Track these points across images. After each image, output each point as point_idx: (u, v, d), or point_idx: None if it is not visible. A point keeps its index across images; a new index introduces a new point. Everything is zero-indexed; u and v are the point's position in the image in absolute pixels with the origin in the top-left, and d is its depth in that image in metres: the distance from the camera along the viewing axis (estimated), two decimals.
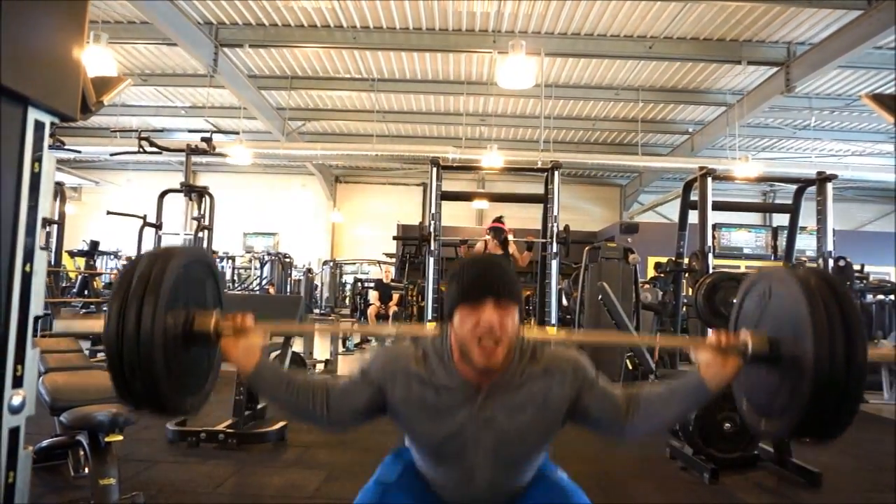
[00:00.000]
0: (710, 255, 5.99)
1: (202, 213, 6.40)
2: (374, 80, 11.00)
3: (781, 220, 12.68)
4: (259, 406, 4.43)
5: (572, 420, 1.45)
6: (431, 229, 6.19)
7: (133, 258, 1.51)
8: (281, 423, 4.02)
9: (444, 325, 1.43)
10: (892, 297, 7.79)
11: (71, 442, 2.77)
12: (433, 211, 6.23)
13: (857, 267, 7.41)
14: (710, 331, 1.44)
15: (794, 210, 6.88)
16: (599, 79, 10.68)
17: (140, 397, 1.40)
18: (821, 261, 6.06)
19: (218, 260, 14.39)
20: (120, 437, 2.63)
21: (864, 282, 7.86)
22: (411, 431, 1.49)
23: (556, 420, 1.44)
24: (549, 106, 11.47)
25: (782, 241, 14.22)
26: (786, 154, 13.90)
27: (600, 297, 5.41)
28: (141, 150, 6.30)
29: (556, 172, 6.24)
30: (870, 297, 7.83)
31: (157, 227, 6.53)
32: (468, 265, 1.42)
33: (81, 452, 2.89)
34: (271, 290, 13.51)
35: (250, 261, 16.30)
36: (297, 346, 6.06)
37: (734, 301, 1.66)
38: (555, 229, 6.11)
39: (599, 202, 18.25)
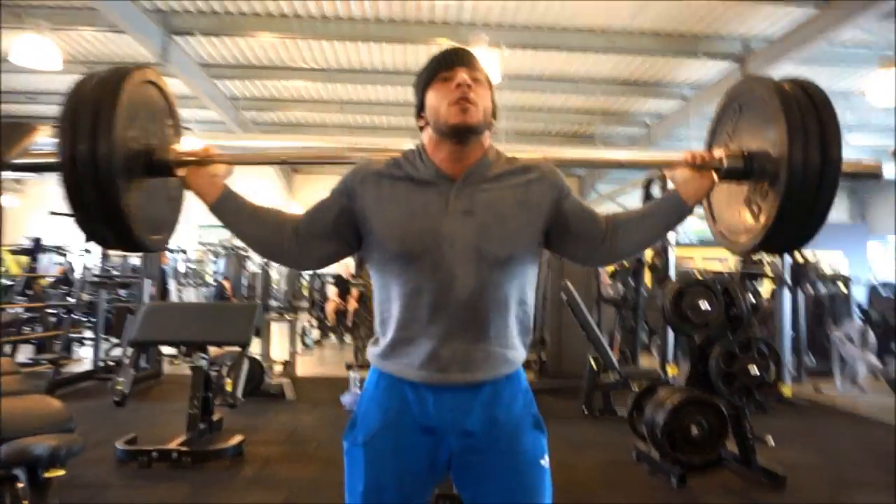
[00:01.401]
0: (672, 252, 6.03)
1: None
2: (333, 71, 10.73)
3: None
4: (215, 418, 4.25)
5: (552, 233, 1.41)
6: None
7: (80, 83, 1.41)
8: (238, 438, 3.85)
9: (416, 145, 1.41)
10: (843, 288, 7.98)
11: (6, 476, 2.56)
12: None
13: (811, 258, 7.54)
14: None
15: None
16: (559, 71, 10.63)
17: (103, 232, 1.36)
18: (777, 257, 6.15)
19: (169, 254, 13.95)
20: (61, 472, 2.44)
21: (819, 274, 8.02)
22: (382, 234, 1.34)
23: (538, 221, 1.38)
24: (507, 97, 11.39)
25: None
26: None
27: (565, 298, 5.38)
28: None
29: None
30: (822, 289, 8.00)
31: None
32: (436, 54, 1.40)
33: (20, 486, 2.69)
34: (226, 285, 13.15)
35: (204, 254, 15.86)
36: (255, 347, 5.88)
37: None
38: None
39: None
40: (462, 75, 1.32)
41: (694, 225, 14.37)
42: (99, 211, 1.31)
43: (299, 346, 8.26)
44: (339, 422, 5.07)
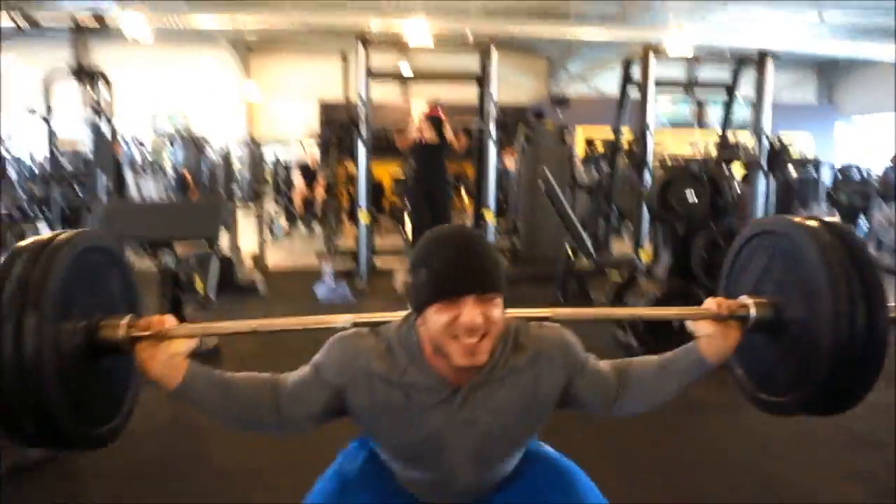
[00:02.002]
0: (650, 137, 5.89)
1: (98, 100, 5.67)
2: None
3: (703, 92, 12.66)
4: (186, 315, 4.14)
5: (558, 407, 1.28)
6: (361, 114, 5.75)
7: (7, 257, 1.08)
8: (214, 338, 3.75)
9: (410, 314, 1.18)
10: (813, 171, 8.03)
11: None
12: (362, 93, 5.75)
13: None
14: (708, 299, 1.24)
15: (731, 87, 6.79)
16: None
17: (34, 437, 1.09)
18: (755, 138, 6.07)
19: (125, 145, 13.30)
20: None
21: (790, 157, 8.01)
22: (378, 437, 1.26)
23: (545, 412, 1.26)
24: None
25: (708, 112, 14.35)
26: (716, 25, 13.69)
27: (542, 185, 5.25)
28: (16, 26, 5.40)
29: (493, 50, 5.81)
30: (793, 173, 8.03)
31: (47, 121, 5.75)
32: (438, 245, 1.12)
33: None
34: (187, 176, 12.70)
35: (161, 142, 15.19)
36: (223, 241, 5.69)
37: (726, 262, 1.47)
38: (492, 112, 5.78)
39: (527, 73, 17.69)
40: (470, 312, 1.07)
41: (664, 108, 14.17)
42: (22, 406, 1.02)
43: (268, 237, 8.08)
44: (314, 314, 5.03)
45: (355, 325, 1.24)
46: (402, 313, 1.21)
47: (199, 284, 3.56)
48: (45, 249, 1.06)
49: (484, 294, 1.08)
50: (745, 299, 1.23)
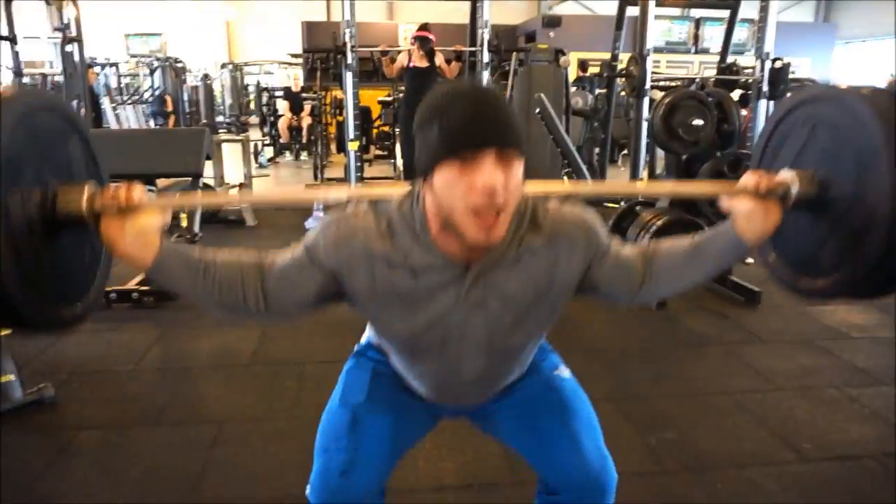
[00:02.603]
0: (650, 59, 5.64)
1: (65, 20, 5.31)
2: None
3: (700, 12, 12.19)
4: None
5: (580, 292, 1.15)
6: (347, 39, 5.44)
7: None
8: None
9: (415, 184, 1.04)
10: None
11: None
12: (347, 16, 5.41)
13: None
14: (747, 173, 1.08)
15: (734, 6, 6.50)
16: None
17: None
18: (758, 63, 5.84)
19: (98, 69, 12.74)
20: (7, 331, 2.20)
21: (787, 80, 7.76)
22: (379, 324, 1.15)
23: (561, 300, 1.13)
24: None
25: (704, 32, 13.90)
26: None
27: (537, 110, 5.05)
28: None
29: None
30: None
31: (11, 40, 5.38)
32: (453, 98, 0.96)
33: None
34: (168, 102, 12.24)
35: (137, 66, 14.57)
36: (207, 170, 5.47)
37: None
38: (485, 36, 5.48)
39: None
40: (490, 173, 0.91)
41: (658, 27, 13.68)
42: None
43: (254, 167, 7.86)
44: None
45: (351, 199, 1.13)
46: (402, 187, 1.08)
47: (183, 220, 3.41)
48: None
49: (505, 149, 0.93)
50: (786, 173, 1.10)
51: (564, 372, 1.30)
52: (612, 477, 1.22)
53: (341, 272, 1.05)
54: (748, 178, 1.07)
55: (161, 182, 3.69)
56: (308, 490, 1.20)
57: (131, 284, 3.44)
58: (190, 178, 3.56)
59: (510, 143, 0.93)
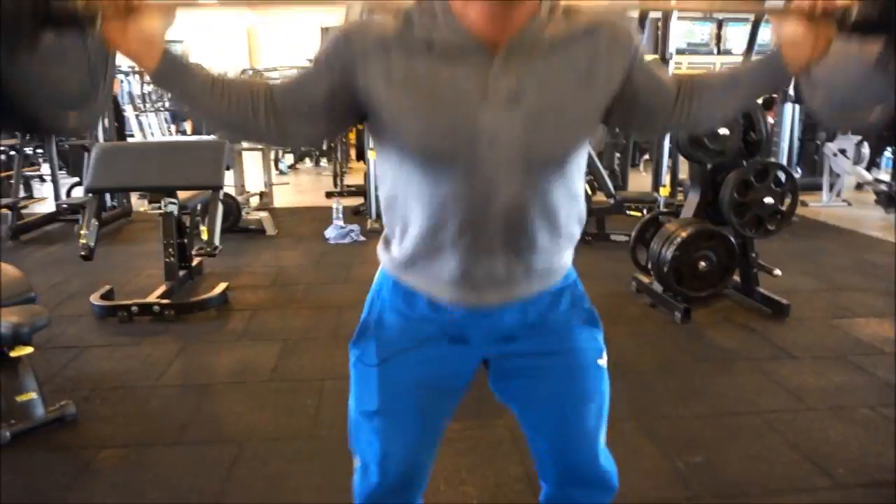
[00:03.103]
0: (672, 63, 5.57)
1: None
2: None
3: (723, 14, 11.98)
4: (194, 263, 4.02)
5: (616, 108, 1.03)
6: None
7: None
8: (222, 286, 3.64)
9: None
10: None
11: None
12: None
13: None
14: None
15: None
16: None
17: None
18: None
19: (122, 76, 12.91)
20: (29, 349, 2.21)
21: None
22: (395, 127, 0.98)
23: (603, 100, 1.00)
24: None
25: (726, 33, 13.72)
26: None
27: None
28: None
29: None
30: None
31: None
32: None
33: None
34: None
35: None
36: (227, 178, 5.49)
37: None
38: None
39: None
40: None
41: (680, 28, 13.52)
42: None
43: (274, 174, 7.89)
44: (325, 259, 4.94)
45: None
46: None
47: (204, 232, 3.41)
48: None
49: None
50: None
51: (603, 361, 1.20)
52: (615, 475, 1.22)
53: (354, 64, 0.95)
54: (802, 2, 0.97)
55: (182, 194, 3.70)
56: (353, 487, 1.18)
57: (152, 297, 3.45)
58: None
59: None
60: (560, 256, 1.10)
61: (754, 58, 1.06)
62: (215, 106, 0.99)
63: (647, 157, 8.81)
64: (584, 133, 1.02)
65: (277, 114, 1.00)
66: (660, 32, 5.62)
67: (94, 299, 3.42)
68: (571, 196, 1.06)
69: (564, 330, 1.15)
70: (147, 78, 13.30)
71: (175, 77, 0.98)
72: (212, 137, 7.46)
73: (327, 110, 1.00)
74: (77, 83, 1.05)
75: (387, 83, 0.94)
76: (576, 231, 1.12)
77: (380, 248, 1.14)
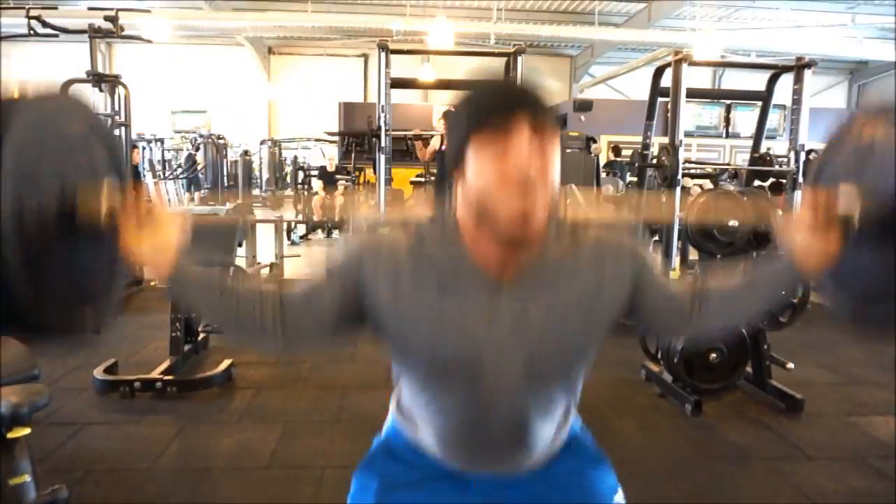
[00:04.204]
0: (682, 150, 5.65)
1: (116, 107, 5.56)
2: None
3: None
4: (200, 337, 4.00)
5: (624, 318, 1.07)
6: (382, 123, 5.57)
7: None
8: (226, 363, 3.61)
9: (445, 188, 0.99)
10: None
11: None
12: (382, 102, 5.56)
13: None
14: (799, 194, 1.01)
15: (766, 98, 6.50)
16: None
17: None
18: (792, 154, 5.80)
19: (144, 144, 13.29)
20: (27, 431, 2.17)
21: None
22: (403, 345, 1.03)
23: (607, 319, 1.03)
24: None
25: (735, 117, 13.99)
26: (743, 24, 13.33)
27: (568, 200, 5.05)
28: (32, 32, 5.29)
29: (521, 58, 5.61)
30: None
31: None
32: (482, 84, 0.95)
33: None
34: (198, 162, 12.71)
35: (181, 141, 15.14)
36: (239, 250, 5.55)
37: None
38: None
39: (549, 74, 17.43)
40: (524, 142, 0.88)
41: (689, 111, 13.84)
42: None
43: (286, 244, 7.96)
44: None
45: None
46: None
47: None
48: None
49: (538, 119, 0.89)
50: (848, 194, 1.00)
51: (621, 498, 1.17)
52: None
53: (364, 281, 0.99)
54: (809, 204, 0.99)
55: None
56: None
57: (156, 373, 3.42)
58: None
59: (543, 111, 0.90)
60: (562, 435, 1.13)
61: (766, 262, 1.08)
62: (224, 312, 1.03)
63: (656, 238, 8.83)
64: (588, 351, 1.06)
65: (285, 323, 1.03)
66: (669, 116, 5.72)
67: (98, 373, 3.39)
68: (574, 388, 1.12)
69: (574, 471, 1.14)
70: (167, 145, 13.72)
71: (186, 286, 1.02)
72: (224, 208, 7.57)
73: (334, 325, 1.04)
74: (94, 282, 1.07)
75: (396, 305, 0.98)
76: (575, 412, 1.17)
77: (392, 399, 1.18)
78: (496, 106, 0.89)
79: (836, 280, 1.14)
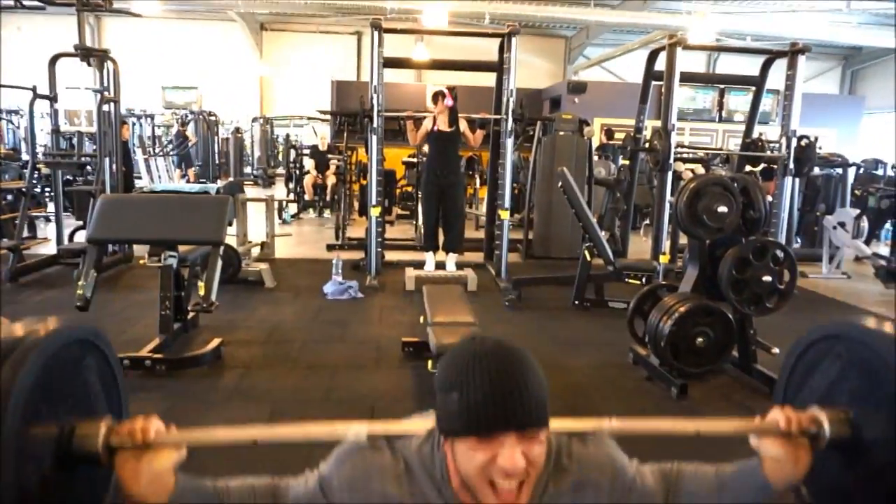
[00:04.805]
0: (674, 134, 5.65)
1: (105, 82, 5.49)
2: None
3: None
4: (190, 316, 4.00)
5: None
6: (374, 103, 5.54)
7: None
8: (215, 342, 3.61)
9: (434, 432, 1.01)
10: (838, 170, 7.74)
11: None
12: (375, 83, 5.52)
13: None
14: (774, 411, 1.06)
15: (759, 83, 6.53)
16: None
17: None
18: (784, 139, 5.82)
19: (134, 120, 13.15)
20: None
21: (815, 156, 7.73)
22: None
23: None
24: None
25: (728, 101, 13.94)
26: (738, 8, 13.26)
27: (560, 184, 5.05)
28: (18, 3, 5.19)
29: (514, 39, 5.57)
30: (816, 170, 7.75)
31: (52, 99, 5.57)
32: (474, 367, 0.93)
33: None
34: (188, 136, 12.66)
35: (171, 117, 15.01)
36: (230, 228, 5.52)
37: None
38: (510, 104, 5.55)
39: (543, 55, 17.33)
40: (510, 454, 0.89)
41: (683, 94, 13.81)
42: None
43: (277, 223, 7.93)
44: (322, 316, 4.91)
45: (370, 436, 1.06)
46: (423, 422, 1.03)
47: (201, 288, 3.41)
48: (14, 352, 0.91)
49: (526, 431, 0.91)
50: (816, 412, 1.06)
51: None
52: None
53: None
54: (776, 415, 1.04)
55: (183, 246, 3.71)
56: None
57: (145, 351, 3.42)
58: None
59: (531, 423, 0.91)
60: None
61: (738, 464, 1.11)
62: None
63: (647, 222, 8.86)
64: None
65: None
66: (662, 100, 5.72)
67: None
68: None
69: None
70: (157, 122, 13.53)
71: None
72: (215, 186, 7.51)
73: None
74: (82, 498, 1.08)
75: None
76: None
77: None
78: (485, 420, 0.90)
79: (812, 485, 1.18)
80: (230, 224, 3.79)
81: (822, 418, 1.04)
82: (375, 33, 5.49)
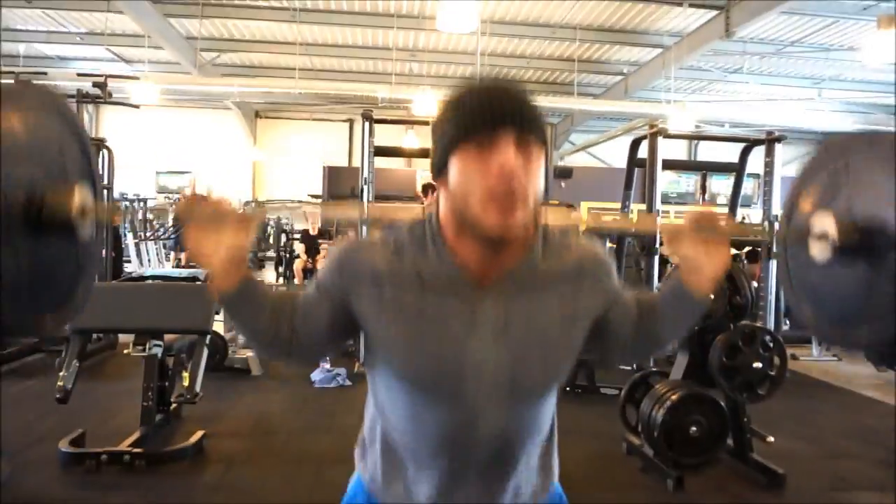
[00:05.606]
0: (659, 219, 5.75)
1: (100, 170, 5.57)
2: (297, 11, 10.01)
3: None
4: (172, 407, 3.90)
5: (588, 335, 1.05)
6: (366, 189, 5.63)
7: None
8: (198, 434, 3.51)
9: (428, 206, 1.01)
10: None
11: None
12: (366, 172, 5.64)
13: None
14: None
15: (739, 169, 6.70)
16: (537, 16, 10.13)
17: None
18: (766, 224, 5.94)
19: (126, 204, 13.26)
20: None
21: None
22: (383, 351, 0.99)
23: (583, 334, 1.02)
24: (485, 43, 10.81)
25: (711, 184, 14.32)
26: (716, 97, 13.82)
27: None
28: None
29: None
30: None
31: None
32: (469, 88, 0.94)
33: None
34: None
35: (164, 201, 15.15)
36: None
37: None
38: None
39: None
40: (508, 154, 0.88)
41: (666, 178, 14.18)
42: None
43: None
44: (309, 405, 4.81)
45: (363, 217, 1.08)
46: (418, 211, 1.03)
47: (186, 379, 3.35)
48: None
49: (524, 133, 0.89)
50: (823, 218, 1.05)
51: None
52: None
53: (348, 291, 0.98)
54: (693, 214, 1.00)
55: (168, 337, 3.67)
56: None
57: (125, 445, 3.31)
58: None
59: (529, 125, 0.90)
60: (545, 475, 1.11)
61: (663, 284, 1.16)
62: (261, 330, 1.02)
63: None
64: (567, 364, 1.04)
65: (295, 334, 1.03)
66: (646, 186, 5.86)
67: (63, 445, 3.28)
68: (549, 414, 1.08)
69: None
70: (148, 205, 13.64)
71: (245, 306, 1.00)
72: (205, 272, 7.52)
73: (330, 331, 1.03)
74: (60, 283, 1.07)
75: (377, 312, 0.97)
76: (554, 445, 1.14)
77: (357, 452, 1.13)
78: (482, 119, 0.89)
79: (815, 303, 1.18)
80: (217, 312, 3.75)
81: (829, 223, 1.03)
82: (366, 124, 5.65)
